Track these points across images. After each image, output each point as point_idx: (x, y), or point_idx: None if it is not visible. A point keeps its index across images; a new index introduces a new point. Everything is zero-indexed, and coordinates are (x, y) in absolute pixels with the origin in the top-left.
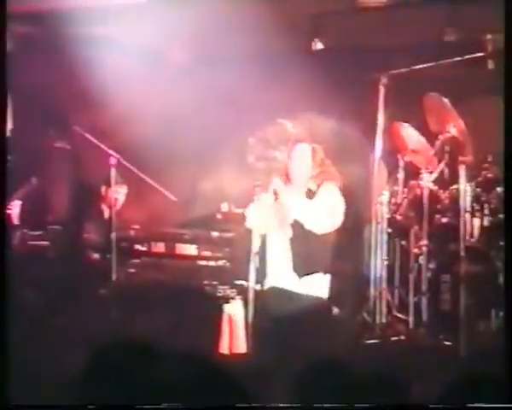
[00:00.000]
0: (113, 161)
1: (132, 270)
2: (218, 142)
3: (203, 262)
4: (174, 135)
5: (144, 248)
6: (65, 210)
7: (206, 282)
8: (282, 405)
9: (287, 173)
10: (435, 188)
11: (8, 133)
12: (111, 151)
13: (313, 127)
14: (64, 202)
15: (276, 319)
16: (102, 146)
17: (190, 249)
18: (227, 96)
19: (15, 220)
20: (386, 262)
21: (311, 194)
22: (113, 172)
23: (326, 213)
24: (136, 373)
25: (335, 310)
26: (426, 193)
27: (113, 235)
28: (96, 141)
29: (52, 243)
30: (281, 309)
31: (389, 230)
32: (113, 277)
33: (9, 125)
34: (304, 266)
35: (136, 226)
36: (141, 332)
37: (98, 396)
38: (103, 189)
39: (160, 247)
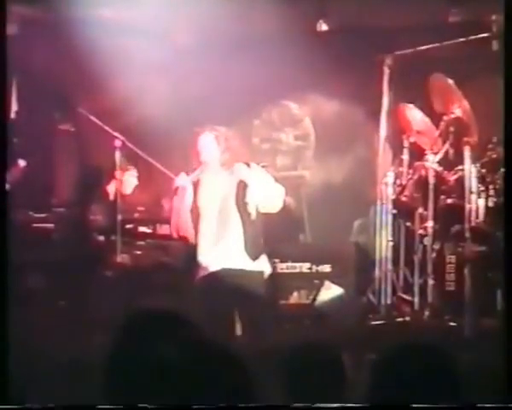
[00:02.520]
0: (117, 143)
1: (137, 252)
2: (223, 123)
3: None
4: (179, 116)
5: (149, 231)
6: (70, 192)
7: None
8: (281, 404)
9: (201, 163)
10: (440, 169)
11: (12, 116)
12: (116, 133)
13: (317, 108)
14: (69, 185)
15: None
16: (107, 128)
17: None
18: (232, 78)
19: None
20: (391, 243)
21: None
22: (117, 154)
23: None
24: (140, 356)
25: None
26: (431, 174)
27: (119, 217)
28: (100, 123)
29: (57, 225)
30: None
31: (394, 211)
32: (118, 259)
33: (14, 108)
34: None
35: (141, 208)
36: (145, 314)
37: (103, 382)
38: (109, 171)
39: (164, 229)
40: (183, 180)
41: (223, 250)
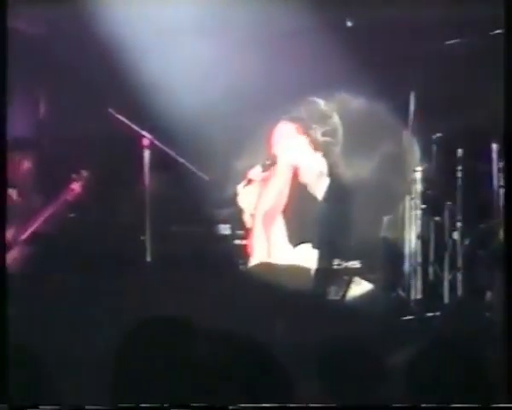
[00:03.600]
0: (146, 142)
1: (167, 251)
2: (250, 120)
3: (237, 242)
4: (206, 114)
5: (179, 229)
6: (99, 191)
7: (240, 262)
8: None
9: (272, 156)
10: (468, 163)
11: (40, 116)
12: (144, 132)
13: (345, 104)
14: (97, 184)
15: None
16: (135, 127)
17: (224, 229)
18: (260, 75)
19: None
20: (420, 238)
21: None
22: (146, 153)
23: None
24: (171, 355)
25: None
26: (459, 168)
27: (148, 215)
28: (129, 122)
29: (85, 224)
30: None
31: (423, 206)
32: (148, 258)
33: (41, 108)
34: (297, 236)
35: (170, 207)
36: (176, 315)
37: (129, 382)
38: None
39: (194, 227)
40: (255, 174)
41: (270, 243)
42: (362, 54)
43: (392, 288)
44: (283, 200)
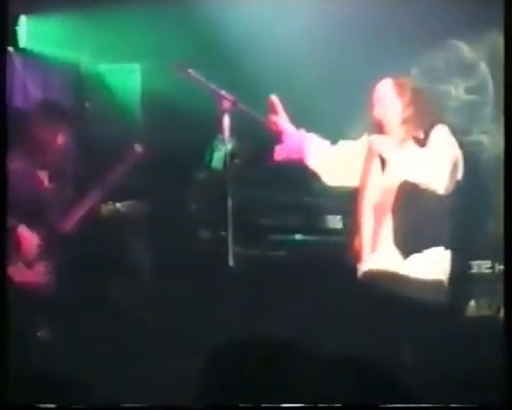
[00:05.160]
0: (226, 104)
1: (256, 252)
2: (366, 74)
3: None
4: (308, 67)
5: (271, 223)
6: (165, 173)
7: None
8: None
9: (377, 122)
10: None
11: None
12: (223, 92)
13: (497, 50)
14: (159, 163)
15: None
16: (212, 86)
17: (334, 222)
18: (383, 13)
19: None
20: None
21: (419, 144)
22: (226, 118)
23: (445, 166)
24: (263, 380)
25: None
26: None
27: (229, 205)
28: (203, 79)
29: (151, 218)
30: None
31: None
32: (231, 262)
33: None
34: (414, 240)
35: (259, 193)
36: (268, 331)
37: None
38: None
39: (292, 220)
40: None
41: (377, 245)
42: None
43: None
44: (392, 191)
